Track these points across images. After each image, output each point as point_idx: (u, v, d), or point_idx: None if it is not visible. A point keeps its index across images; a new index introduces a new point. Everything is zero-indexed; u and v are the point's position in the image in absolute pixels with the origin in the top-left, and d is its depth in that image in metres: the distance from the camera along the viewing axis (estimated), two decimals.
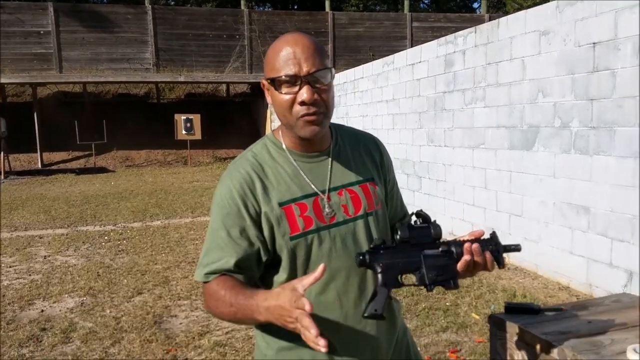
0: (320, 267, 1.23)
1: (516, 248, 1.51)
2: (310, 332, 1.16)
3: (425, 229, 1.46)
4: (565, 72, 5.20)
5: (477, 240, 1.46)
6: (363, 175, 1.59)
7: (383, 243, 1.43)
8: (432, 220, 1.48)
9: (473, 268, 1.45)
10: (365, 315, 1.39)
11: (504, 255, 1.50)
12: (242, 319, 1.40)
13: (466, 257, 1.42)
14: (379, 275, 1.41)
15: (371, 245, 1.45)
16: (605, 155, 4.77)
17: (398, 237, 1.44)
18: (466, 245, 1.43)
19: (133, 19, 18.93)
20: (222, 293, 1.41)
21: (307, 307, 1.16)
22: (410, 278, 1.46)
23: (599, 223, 4.85)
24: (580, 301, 2.09)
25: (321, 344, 1.15)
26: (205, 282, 1.48)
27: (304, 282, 1.22)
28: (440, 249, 1.44)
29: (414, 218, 1.49)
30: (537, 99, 5.57)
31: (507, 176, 6.10)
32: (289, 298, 1.22)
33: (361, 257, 1.41)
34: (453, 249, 1.44)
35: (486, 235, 1.50)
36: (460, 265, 1.43)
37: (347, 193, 1.54)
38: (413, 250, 1.44)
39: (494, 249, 1.46)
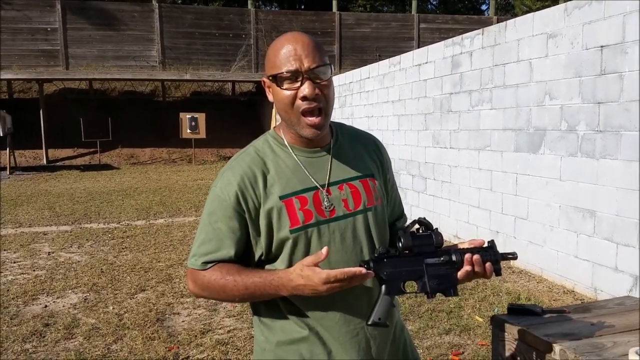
0: (324, 249, 1.34)
1: (512, 257, 1.56)
2: (342, 276, 1.32)
3: (427, 237, 1.50)
4: (573, 75, 5.18)
5: (477, 249, 1.50)
6: (363, 171, 1.62)
7: (387, 252, 1.46)
8: (434, 227, 1.52)
9: (472, 276, 1.49)
10: (369, 323, 1.42)
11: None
12: (259, 296, 1.47)
13: (467, 268, 1.48)
14: (383, 284, 1.45)
15: (375, 254, 1.47)
16: (611, 159, 4.75)
17: (401, 245, 1.47)
18: (467, 255, 1.48)
19: (139, 16, 19.01)
20: (231, 279, 1.46)
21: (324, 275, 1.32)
22: (412, 285, 1.50)
23: (605, 227, 4.83)
24: (583, 304, 2.08)
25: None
26: (200, 270, 1.51)
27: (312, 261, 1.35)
28: (442, 258, 1.49)
29: (416, 226, 1.52)
30: (544, 101, 5.55)
31: (513, 179, 6.08)
32: (318, 278, 1.34)
33: (366, 266, 1.43)
34: (454, 257, 1.48)
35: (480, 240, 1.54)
36: (460, 275, 1.48)
37: (348, 187, 1.56)
38: (415, 258, 1.48)
39: (493, 259, 1.50)
